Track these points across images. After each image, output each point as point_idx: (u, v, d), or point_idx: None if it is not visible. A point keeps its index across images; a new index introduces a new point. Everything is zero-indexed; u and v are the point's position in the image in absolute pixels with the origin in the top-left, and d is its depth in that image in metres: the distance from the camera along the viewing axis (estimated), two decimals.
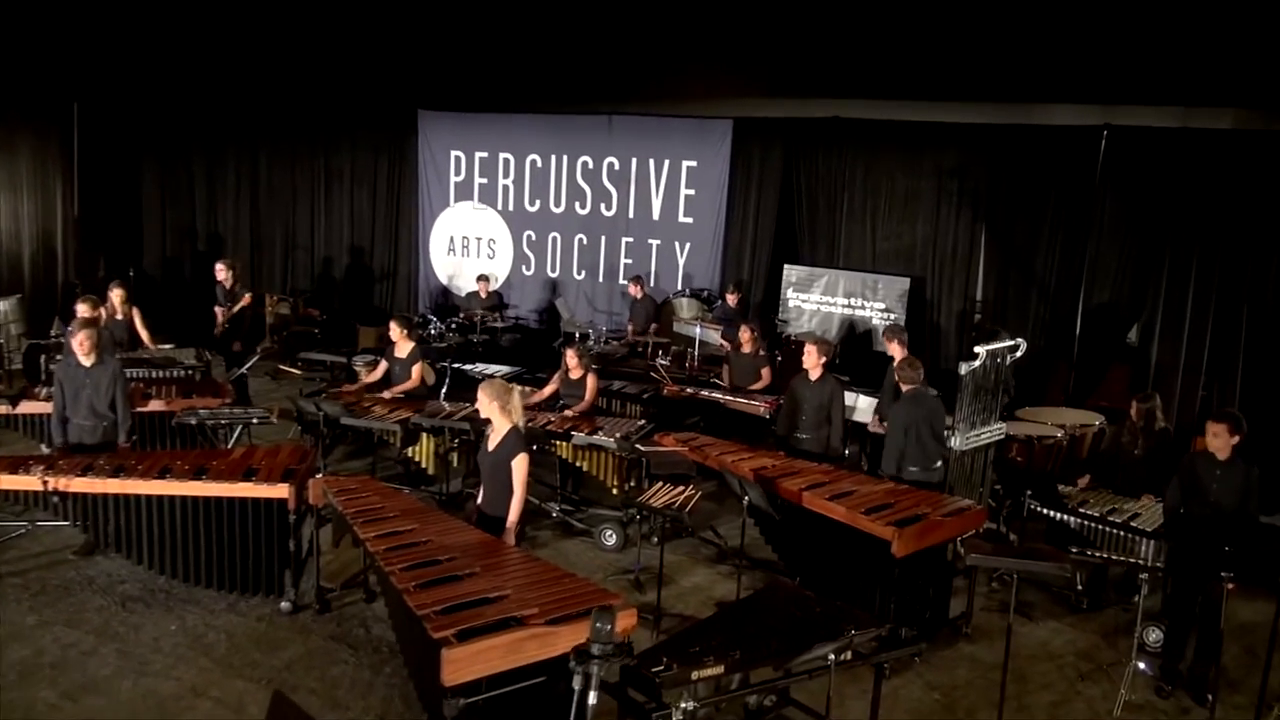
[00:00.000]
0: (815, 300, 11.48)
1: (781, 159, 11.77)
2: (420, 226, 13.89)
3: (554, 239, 13.18)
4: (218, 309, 10.30)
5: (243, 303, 10.17)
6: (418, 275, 13.96)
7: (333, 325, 13.21)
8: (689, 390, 8.80)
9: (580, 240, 13.03)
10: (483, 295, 12.57)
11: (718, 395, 8.71)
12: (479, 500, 5.47)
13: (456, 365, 10.16)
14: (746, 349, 9.04)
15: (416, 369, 8.37)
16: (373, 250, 14.31)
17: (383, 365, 8.57)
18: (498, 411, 5.44)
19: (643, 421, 7.75)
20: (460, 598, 4.47)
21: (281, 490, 5.96)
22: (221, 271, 10.32)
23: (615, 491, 7.37)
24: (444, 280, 13.87)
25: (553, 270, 13.22)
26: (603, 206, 12.81)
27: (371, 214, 14.24)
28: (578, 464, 7.37)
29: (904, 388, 6.54)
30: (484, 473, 5.41)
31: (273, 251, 14.73)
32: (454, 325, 12.13)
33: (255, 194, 14.65)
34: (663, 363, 10.26)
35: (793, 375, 7.66)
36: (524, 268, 13.37)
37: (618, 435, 7.22)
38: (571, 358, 7.90)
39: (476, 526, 5.29)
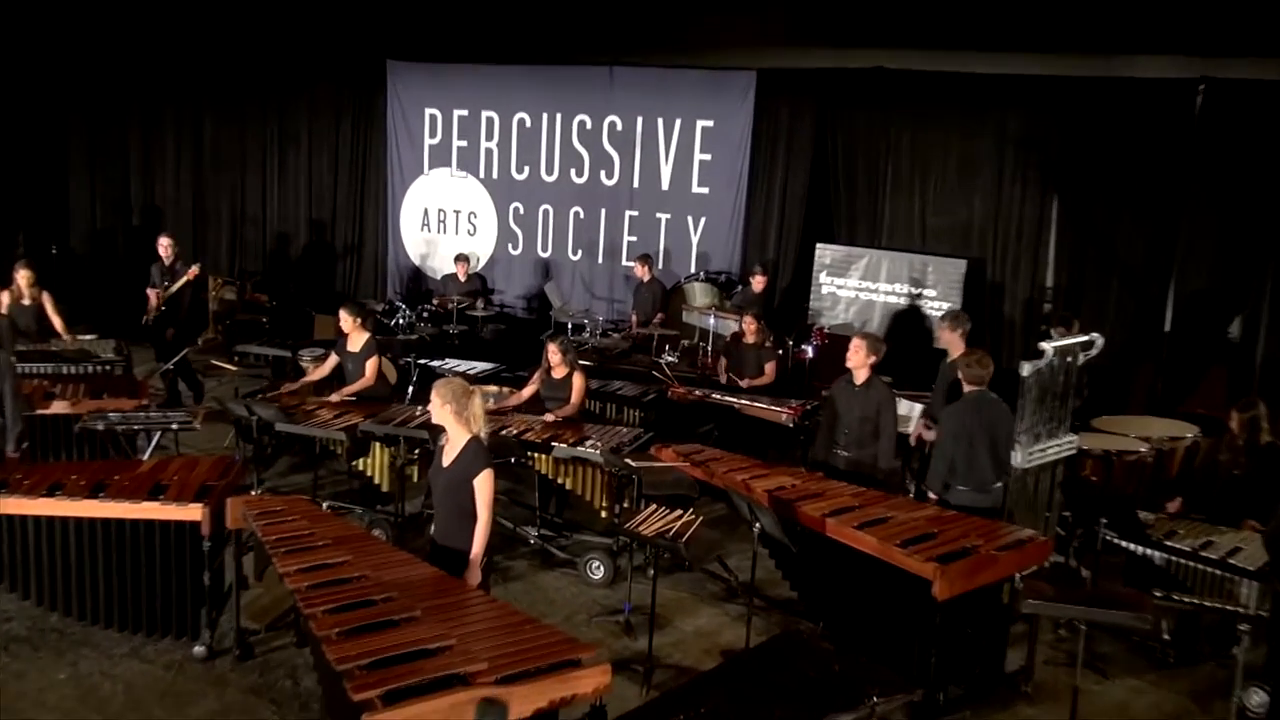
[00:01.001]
0: (853, 286, 11.34)
1: (814, 118, 11.63)
2: (389, 198, 13.81)
3: (545, 212, 13.09)
4: (150, 291, 10.18)
5: (186, 278, 10.06)
6: (386, 255, 13.90)
7: (285, 313, 13.10)
8: (698, 392, 8.72)
9: (576, 214, 12.92)
10: (461, 278, 12.52)
11: (732, 399, 8.65)
12: (433, 528, 5.28)
13: (424, 362, 9.99)
14: (750, 339, 9.04)
15: (371, 365, 8.21)
16: (334, 226, 14.22)
17: (331, 360, 8.42)
18: (452, 418, 5.19)
19: (639, 430, 7.61)
20: (393, 649, 4.18)
21: (193, 511, 5.75)
22: (166, 247, 10.23)
23: (604, 515, 7.23)
24: (416, 261, 13.80)
25: (544, 249, 13.14)
26: (603, 174, 12.70)
27: (333, 184, 14.15)
28: (560, 481, 7.25)
29: (966, 388, 6.35)
30: (436, 495, 5.22)
31: (218, 227, 14.66)
32: (426, 314, 12.03)
33: (198, 161, 14.58)
34: (669, 359, 10.21)
35: (829, 377, 7.53)
36: (510, 246, 13.31)
37: (606, 446, 7.07)
38: (554, 353, 7.75)
39: (430, 561, 5.08)
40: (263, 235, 14.46)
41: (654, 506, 6.11)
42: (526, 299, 13.24)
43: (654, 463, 6.69)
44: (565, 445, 7.11)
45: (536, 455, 7.24)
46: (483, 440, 5.21)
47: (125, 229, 14.80)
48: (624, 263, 12.61)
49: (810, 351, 10.55)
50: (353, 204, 14.08)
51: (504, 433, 7.30)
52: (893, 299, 11.12)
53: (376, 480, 7.61)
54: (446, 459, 5.24)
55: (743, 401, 8.53)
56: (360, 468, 7.63)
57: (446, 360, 9.96)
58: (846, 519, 5.81)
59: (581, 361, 9.99)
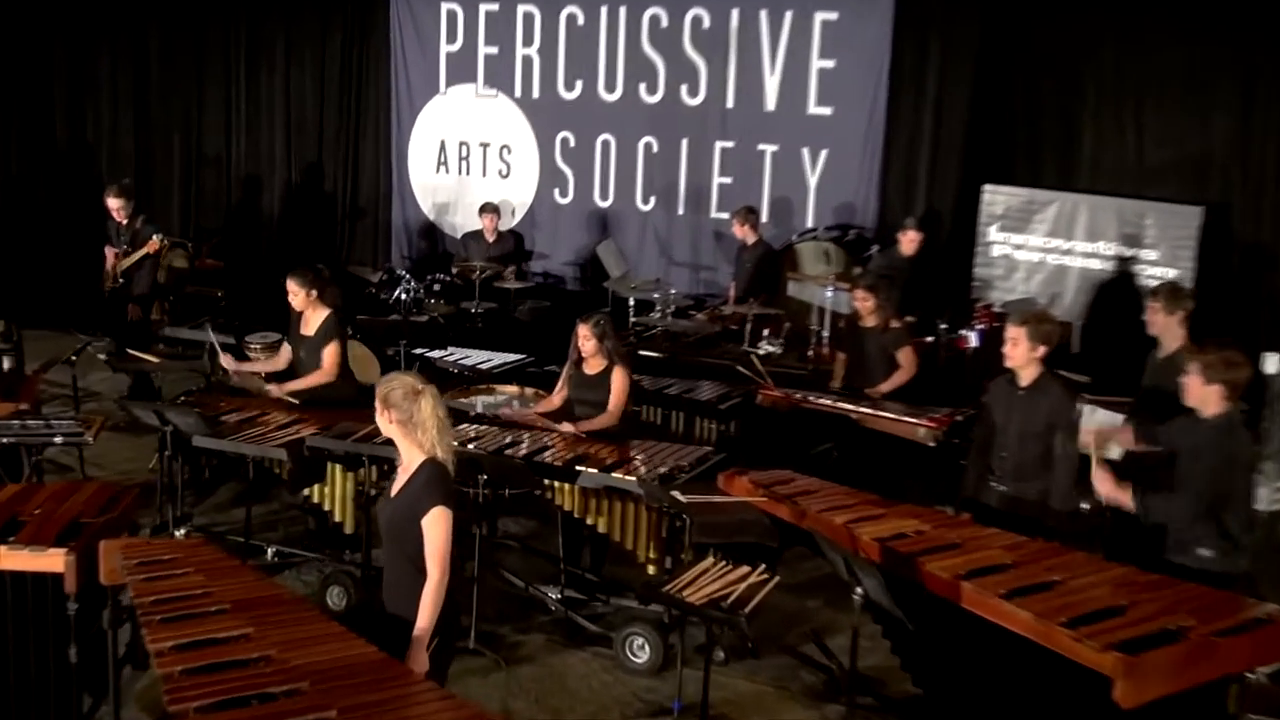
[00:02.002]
0: (1037, 244, 11.09)
1: (979, 13, 11.40)
2: (393, 128, 13.95)
3: (605, 145, 13.06)
4: (110, 251, 10.55)
5: (144, 250, 10.43)
6: (389, 206, 14.01)
7: (252, 286, 13.14)
8: (798, 396, 8.66)
9: (647, 147, 12.86)
10: (489, 237, 12.61)
11: (847, 405, 8.47)
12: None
13: (423, 351, 10.00)
14: (869, 322, 8.95)
15: (330, 353, 8.20)
16: (320, 168, 14.31)
17: (286, 351, 8.45)
18: (398, 430, 5.11)
19: (705, 450, 7.58)
20: None
21: (52, 560, 5.60)
22: (117, 210, 10.60)
23: (651, 569, 7.13)
24: (429, 214, 13.90)
25: (602, 196, 13.15)
26: (684, 91, 12.65)
27: (318, 111, 14.27)
28: (590, 522, 7.25)
29: (1217, 404, 6.01)
30: (383, 538, 5.24)
31: (166, 171, 14.82)
32: (439, 286, 12.04)
33: (142, 87, 14.79)
34: (769, 347, 10.21)
35: (987, 378, 7.30)
36: (557, 192, 13.35)
37: (650, 472, 7.04)
38: (585, 338, 7.71)
39: (381, 630, 5.08)
40: (225, 182, 14.59)
41: (713, 559, 6.02)
42: (578, 265, 13.24)
43: (713, 496, 6.58)
44: (595, 470, 7.00)
45: (557, 485, 7.20)
46: (443, 463, 5.10)
47: (48, 174, 15.08)
48: (712, 214, 12.57)
49: (974, 339, 10.28)
50: (344, 138, 14.17)
51: (510, 453, 7.28)
52: (1095, 263, 10.83)
53: (338, 516, 7.60)
54: (395, 488, 5.19)
55: (863, 410, 8.38)
56: (315, 499, 7.62)
57: (450, 349, 9.99)
58: (992, 583, 5.60)
59: (644, 351, 9.73)
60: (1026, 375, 6.71)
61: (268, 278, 13.14)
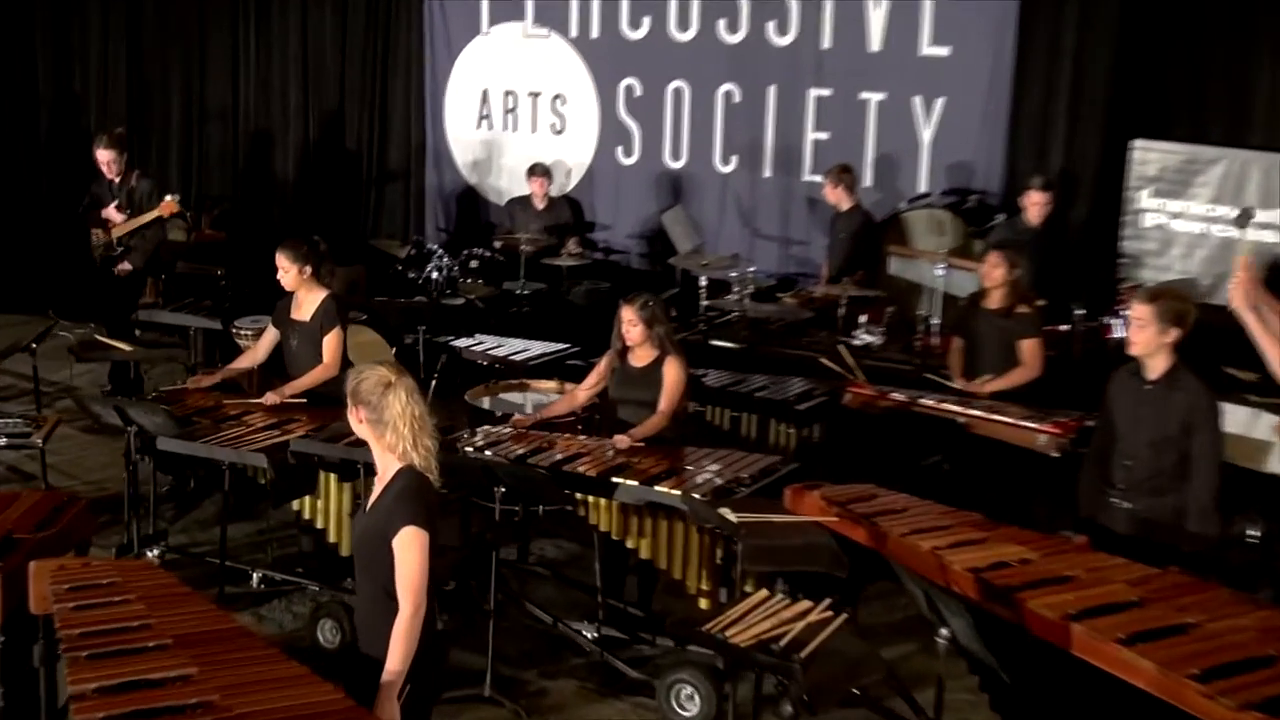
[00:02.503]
0: (1198, 213, 10.89)
1: None
2: (427, 75, 14.06)
3: (677, 94, 13.05)
4: (112, 211, 10.80)
5: (159, 210, 10.70)
6: (422, 168, 14.12)
7: (260, 261, 13.09)
8: (894, 396, 8.65)
9: (727, 96, 12.84)
10: (538, 204, 12.75)
11: (954, 407, 8.40)
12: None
13: (450, 340, 10.08)
14: (994, 303, 8.82)
15: (331, 342, 8.24)
16: (341, 123, 14.41)
17: (269, 338, 8.56)
18: (368, 431, 5.15)
19: (773, 460, 7.66)
20: None
21: None
22: (108, 163, 10.83)
23: (703, 602, 7.13)
24: (469, 176, 13.98)
25: (674, 156, 13.15)
26: (772, 29, 12.62)
27: (339, 57, 14.36)
28: (629, 543, 7.30)
29: None
30: (355, 562, 5.35)
31: (164, 127, 15.00)
32: (477, 263, 12.12)
33: (136, 29, 14.91)
34: (867, 337, 10.19)
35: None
36: (620, 151, 13.40)
37: (702, 485, 7.04)
38: (630, 323, 7.74)
39: (357, 673, 5.14)
40: (232, 139, 14.73)
41: (766, 592, 5.98)
42: (645, 238, 13.25)
43: (772, 515, 6.51)
44: (635, 482, 7.05)
45: (591, 500, 7.22)
46: (421, 470, 5.12)
47: (33, 126, 15.29)
48: (805, 177, 12.47)
49: (1119, 328, 10.06)
50: (370, 87, 14.26)
51: (532, 460, 7.30)
52: (1270, 235, 10.55)
53: (331, 536, 7.68)
54: (370, 502, 5.23)
55: (973, 413, 8.28)
56: (306, 515, 7.71)
57: (478, 337, 10.08)
58: (1109, 625, 5.49)
59: (717, 341, 9.60)
60: (1156, 366, 6.65)
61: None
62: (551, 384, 8.82)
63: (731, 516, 6.40)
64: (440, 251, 12.10)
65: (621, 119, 13.22)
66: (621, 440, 7.48)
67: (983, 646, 5.52)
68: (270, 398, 8.10)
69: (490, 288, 11.92)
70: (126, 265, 10.77)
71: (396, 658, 4.94)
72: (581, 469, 7.19)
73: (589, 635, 7.45)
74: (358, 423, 5.11)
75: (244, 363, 8.69)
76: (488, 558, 7.04)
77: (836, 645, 5.58)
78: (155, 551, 8.17)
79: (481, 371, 9.47)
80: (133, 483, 7.92)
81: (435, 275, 11.86)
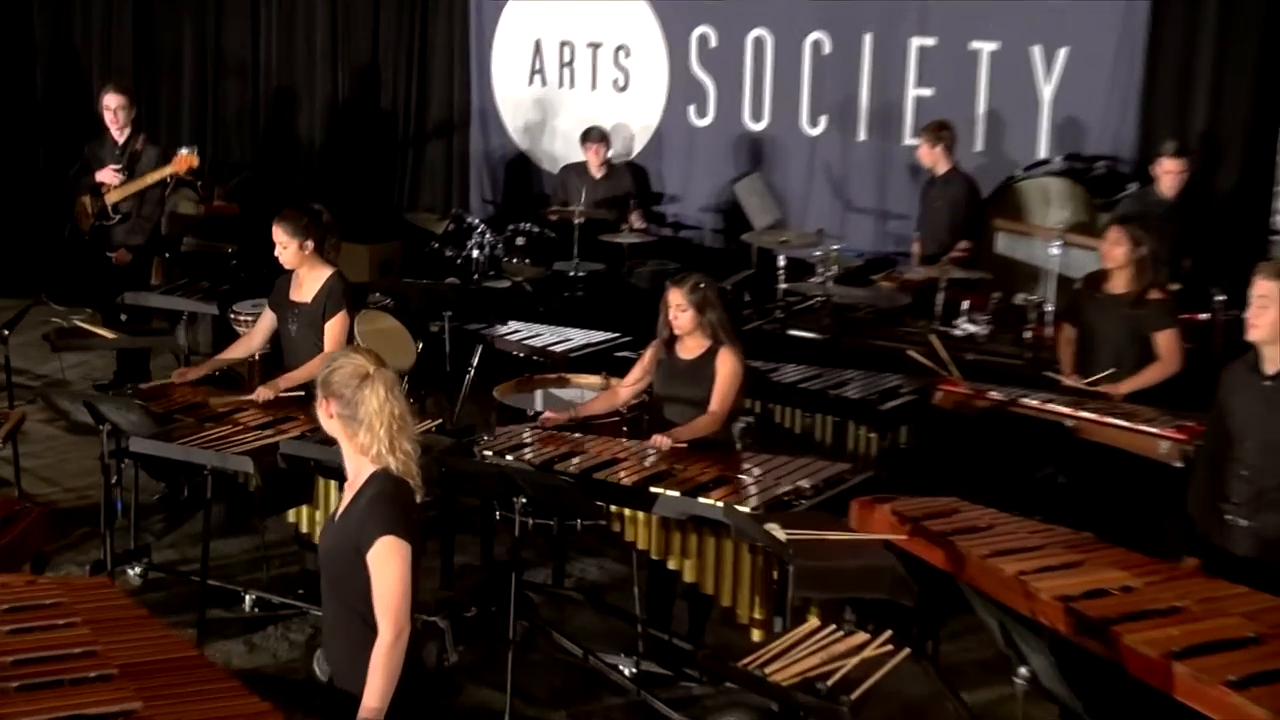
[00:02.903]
0: None
1: None
2: (472, 24, 14.16)
3: (758, 43, 13.01)
4: (108, 173, 10.88)
5: (174, 166, 10.77)
6: (466, 131, 14.23)
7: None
8: (992, 395, 8.59)
9: (816, 46, 12.81)
10: (595, 171, 12.82)
11: (1060, 408, 8.30)
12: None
13: (480, 329, 10.15)
14: (1117, 287, 8.66)
15: (335, 327, 8.29)
16: (375, 78, 14.52)
17: (266, 322, 8.62)
18: (340, 429, 5.16)
19: (841, 468, 7.63)
20: None
21: None
22: (115, 109, 10.92)
23: (757, 633, 7.05)
24: (519, 139, 14.07)
25: (755, 116, 13.14)
26: None
27: (372, 4, 14.50)
28: (670, 564, 7.26)
29: None
30: (322, 580, 5.33)
31: (174, 83, 15.16)
32: (524, 239, 12.16)
33: None
34: (970, 326, 10.23)
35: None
36: (692, 110, 13.44)
37: (756, 496, 7.03)
38: (678, 308, 7.70)
39: (329, 715, 5.22)
40: (250, 97, 14.88)
41: (817, 622, 5.91)
42: (720, 211, 13.28)
43: (829, 532, 6.45)
44: (676, 492, 7.01)
45: (627, 513, 7.21)
46: (398, 475, 5.09)
47: (21, 88, 15.45)
48: (906, 140, 12.43)
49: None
50: (408, 37, 14.33)
51: (559, 466, 7.30)
52: None
53: None
54: (339, 510, 5.25)
55: (1084, 415, 8.18)
56: (304, 528, 7.73)
57: (513, 325, 10.17)
58: (1219, 665, 5.36)
59: (796, 331, 9.50)
60: (1273, 358, 6.51)
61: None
62: (595, 379, 8.79)
63: (780, 533, 6.31)
64: (482, 227, 12.14)
65: (694, 74, 13.17)
66: (662, 441, 7.46)
67: (1067, 688, 5.37)
68: (263, 393, 8.11)
69: (539, 268, 11.94)
70: (125, 253, 10.84)
71: (374, 693, 4.89)
72: (615, 476, 7.17)
73: (627, 671, 7.38)
74: (328, 417, 5.12)
75: (237, 351, 8.73)
76: (509, 580, 7.05)
77: (895, 685, 5.49)
78: (137, 569, 8.23)
79: (519, 365, 9.44)
80: (110, 490, 7.97)
81: (476, 254, 11.90)
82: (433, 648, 7.21)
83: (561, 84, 13.77)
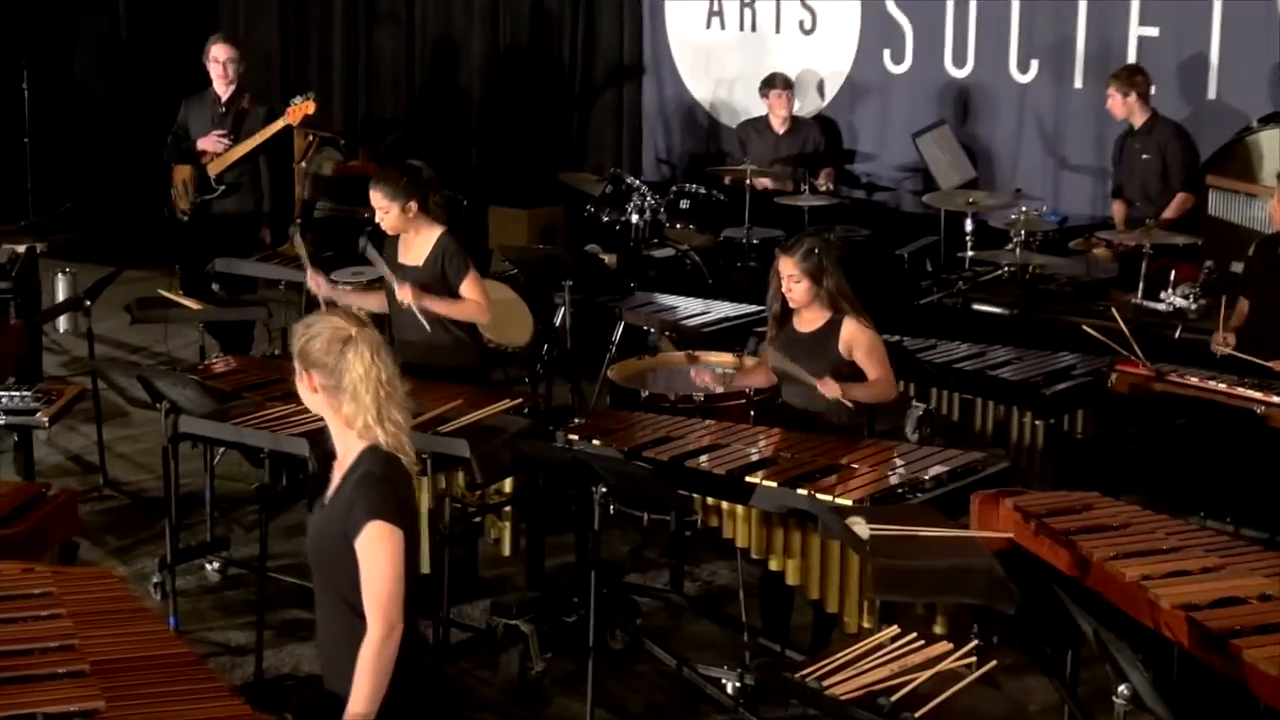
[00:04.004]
0: None
1: None
2: None
3: None
4: (218, 139, 11.02)
5: (287, 117, 11.01)
6: (639, 82, 14.38)
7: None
8: (1176, 377, 8.53)
9: None
10: (777, 126, 12.83)
11: (1252, 393, 8.24)
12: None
13: (607, 300, 10.23)
14: None
15: (471, 285, 8.39)
16: (540, 24, 14.64)
17: (380, 295, 8.74)
18: (323, 402, 5.13)
19: (978, 456, 7.56)
20: None
21: None
22: (225, 63, 11.12)
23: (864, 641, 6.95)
24: (696, 91, 14.18)
25: (958, 61, 13.07)
26: None
27: None
28: (772, 564, 7.28)
29: None
30: (311, 569, 5.36)
31: (326, 35, 15.41)
32: (686, 202, 12.25)
33: None
34: (1178, 300, 10.15)
35: None
36: (888, 55, 13.40)
37: (862, 485, 7.08)
38: (792, 279, 7.67)
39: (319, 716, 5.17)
40: (405, 51, 15.04)
41: (897, 629, 5.81)
42: (919, 170, 13.20)
43: (924, 529, 6.39)
44: (774, 483, 7.01)
45: (724, 507, 7.22)
46: (391, 451, 5.08)
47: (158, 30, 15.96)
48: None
49: None
50: None
51: (650, 453, 7.38)
52: None
53: None
54: (329, 493, 5.22)
55: (1273, 400, 8.12)
56: None
57: (639, 295, 10.25)
58: None
59: (980, 305, 9.52)
60: None
61: (462, 190, 13.65)
62: (728, 357, 8.76)
63: (863, 529, 6.26)
64: (642, 189, 12.20)
65: (890, 14, 13.15)
66: (832, 387, 7.44)
67: (1165, 709, 5.30)
68: (407, 293, 8.18)
69: (706, 235, 11.93)
70: (265, 233, 11.02)
71: (360, 697, 4.87)
72: (710, 464, 7.21)
73: (730, 686, 7.31)
74: (311, 392, 5.09)
75: (370, 302, 8.71)
76: (605, 582, 7.11)
77: (971, 702, 5.42)
78: (215, 564, 8.43)
79: (650, 338, 9.54)
80: (170, 476, 8.09)
81: (636, 219, 11.95)
82: (515, 655, 7.27)
83: (742, 27, 13.78)
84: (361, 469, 5.02)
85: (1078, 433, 8.65)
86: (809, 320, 7.69)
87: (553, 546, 8.50)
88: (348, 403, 5.02)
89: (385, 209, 8.40)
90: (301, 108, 10.81)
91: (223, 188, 10.92)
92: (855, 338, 7.62)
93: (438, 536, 7.57)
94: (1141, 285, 10.09)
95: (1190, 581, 6.07)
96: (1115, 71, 11.29)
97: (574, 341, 10.22)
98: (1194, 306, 9.84)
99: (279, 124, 10.85)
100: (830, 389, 7.46)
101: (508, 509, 7.90)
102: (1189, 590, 5.96)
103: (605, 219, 12.12)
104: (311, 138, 13.74)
